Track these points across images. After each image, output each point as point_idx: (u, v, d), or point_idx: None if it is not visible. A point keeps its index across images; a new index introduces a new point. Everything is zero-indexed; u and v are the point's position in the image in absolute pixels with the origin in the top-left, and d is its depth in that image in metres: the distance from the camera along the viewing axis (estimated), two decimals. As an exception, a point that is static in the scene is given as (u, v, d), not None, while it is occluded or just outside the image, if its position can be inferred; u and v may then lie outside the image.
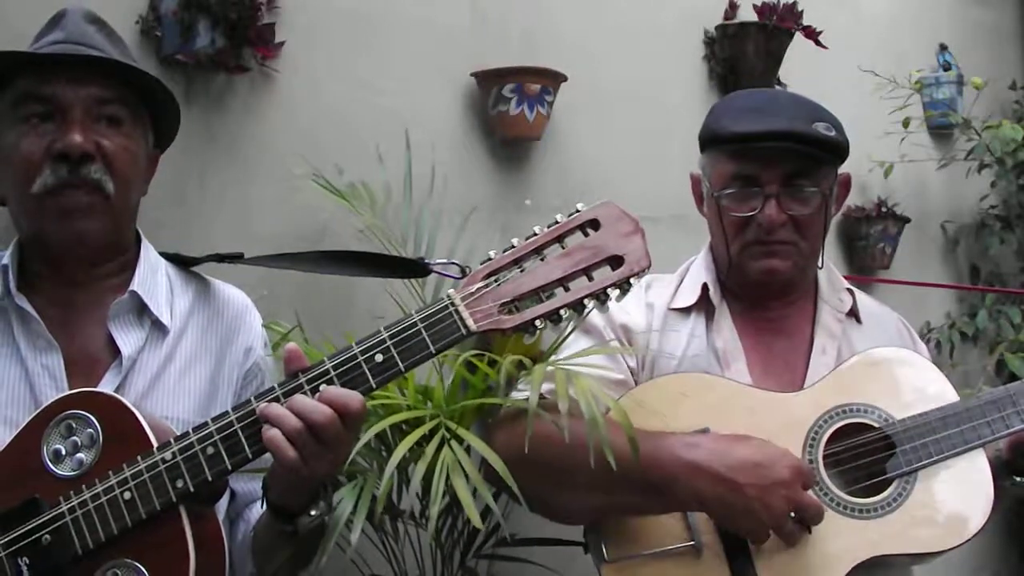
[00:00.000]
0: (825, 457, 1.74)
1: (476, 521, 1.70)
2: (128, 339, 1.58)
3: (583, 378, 1.68)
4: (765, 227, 1.80)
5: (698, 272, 1.93)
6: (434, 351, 1.37)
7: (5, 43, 1.64)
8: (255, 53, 2.41)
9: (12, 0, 2.06)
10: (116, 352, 1.57)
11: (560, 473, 1.68)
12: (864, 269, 3.88)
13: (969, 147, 4.10)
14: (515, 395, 1.87)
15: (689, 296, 1.91)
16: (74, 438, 1.39)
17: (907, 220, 3.94)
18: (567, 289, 1.38)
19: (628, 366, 1.86)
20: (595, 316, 1.90)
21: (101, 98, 1.55)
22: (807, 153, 1.79)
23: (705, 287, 1.90)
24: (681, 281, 1.95)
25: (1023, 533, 4.25)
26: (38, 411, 1.42)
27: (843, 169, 1.93)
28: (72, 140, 1.51)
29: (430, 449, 1.77)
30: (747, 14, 3.45)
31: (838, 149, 1.82)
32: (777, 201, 1.79)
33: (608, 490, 1.67)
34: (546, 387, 1.74)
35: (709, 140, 1.87)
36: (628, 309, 1.90)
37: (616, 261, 1.39)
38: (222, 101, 2.43)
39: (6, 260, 1.59)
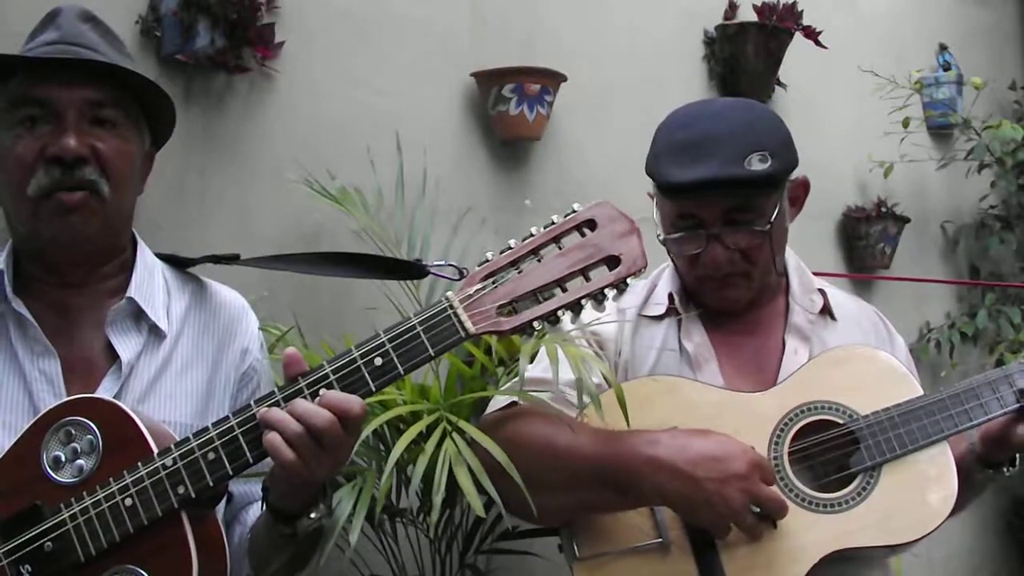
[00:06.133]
0: (791, 454, 1.76)
1: (479, 510, 1.74)
2: (126, 345, 1.57)
3: (574, 350, 1.72)
4: (712, 266, 1.82)
5: (666, 282, 1.95)
6: (433, 354, 1.36)
7: (3, 42, 1.64)
8: (255, 53, 2.42)
9: (11, -1, 2.07)
10: (113, 357, 1.56)
11: (534, 475, 1.71)
12: (864, 269, 3.88)
13: (969, 147, 4.11)
14: (507, 388, 1.91)
15: (660, 305, 1.93)
16: (74, 444, 1.38)
17: (907, 220, 3.94)
18: (564, 290, 1.38)
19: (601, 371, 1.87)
20: (567, 324, 1.92)
21: (95, 100, 1.53)
22: (742, 192, 1.80)
23: (671, 297, 1.92)
24: (652, 288, 1.96)
25: (1022, 533, 4.26)
26: (37, 417, 1.42)
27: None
28: (66, 144, 1.50)
29: (431, 444, 1.80)
30: (747, 14, 3.45)
31: (775, 179, 1.81)
32: (719, 239, 1.81)
33: (577, 489, 1.72)
34: (533, 373, 1.80)
35: (650, 176, 1.88)
36: (600, 315, 1.91)
37: (613, 261, 1.38)
38: (222, 101, 2.43)
39: (0, 264, 1.58)
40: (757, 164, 1.77)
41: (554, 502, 1.74)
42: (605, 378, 1.81)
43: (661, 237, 1.87)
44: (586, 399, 1.70)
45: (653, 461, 1.67)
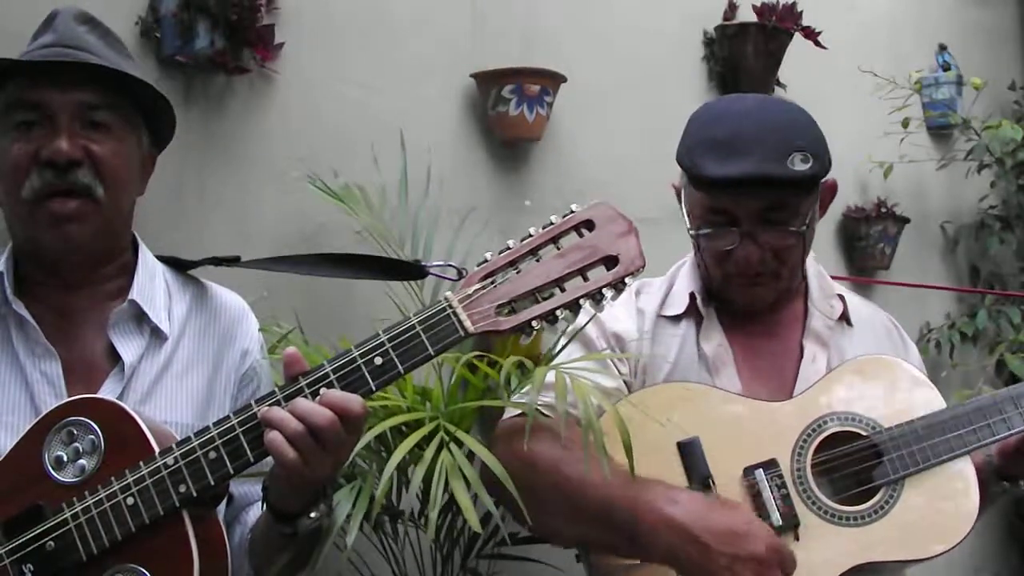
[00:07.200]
0: (814, 465, 1.74)
1: (476, 526, 1.71)
2: (129, 347, 1.58)
3: (582, 383, 1.68)
4: (743, 265, 1.79)
5: (685, 280, 1.93)
6: (432, 353, 1.37)
7: (2, 44, 1.64)
8: (254, 54, 2.42)
9: (9, 1, 2.07)
10: (116, 359, 1.57)
11: (542, 498, 1.68)
12: (864, 269, 3.88)
13: (968, 147, 4.11)
14: (515, 399, 1.87)
15: (678, 304, 1.90)
16: (75, 444, 1.39)
17: (907, 220, 3.94)
18: (563, 290, 1.39)
19: (620, 373, 1.86)
20: (588, 326, 1.90)
21: (90, 103, 1.54)
22: (781, 192, 1.76)
23: (693, 296, 1.90)
24: (670, 288, 1.94)
25: (1023, 533, 4.26)
26: (39, 418, 1.43)
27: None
28: (59, 147, 1.50)
29: (429, 452, 1.78)
30: (747, 15, 3.45)
31: (816, 179, 1.78)
32: (752, 238, 1.78)
33: (582, 522, 1.69)
34: (544, 399, 1.74)
35: (683, 168, 1.84)
36: (619, 317, 1.90)
37: (611, 261, 1.39)
38: (222, 102, 2.43)
39: (1, 266, 1.58)
40: (799, 164, 1.73)
41: (557, 527, 1.73)
42: (622, 378, 1.79)
43: (692, 232, 1.84)
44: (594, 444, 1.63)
45: (670, 521, 1.62)
